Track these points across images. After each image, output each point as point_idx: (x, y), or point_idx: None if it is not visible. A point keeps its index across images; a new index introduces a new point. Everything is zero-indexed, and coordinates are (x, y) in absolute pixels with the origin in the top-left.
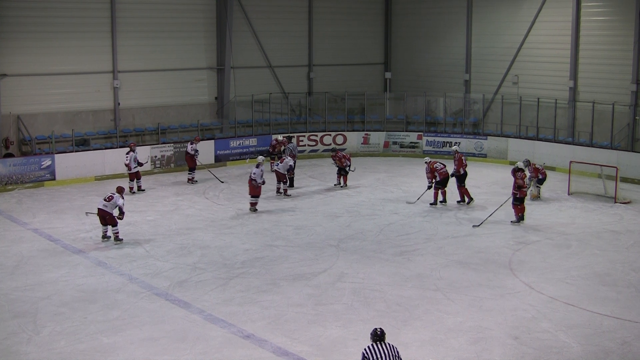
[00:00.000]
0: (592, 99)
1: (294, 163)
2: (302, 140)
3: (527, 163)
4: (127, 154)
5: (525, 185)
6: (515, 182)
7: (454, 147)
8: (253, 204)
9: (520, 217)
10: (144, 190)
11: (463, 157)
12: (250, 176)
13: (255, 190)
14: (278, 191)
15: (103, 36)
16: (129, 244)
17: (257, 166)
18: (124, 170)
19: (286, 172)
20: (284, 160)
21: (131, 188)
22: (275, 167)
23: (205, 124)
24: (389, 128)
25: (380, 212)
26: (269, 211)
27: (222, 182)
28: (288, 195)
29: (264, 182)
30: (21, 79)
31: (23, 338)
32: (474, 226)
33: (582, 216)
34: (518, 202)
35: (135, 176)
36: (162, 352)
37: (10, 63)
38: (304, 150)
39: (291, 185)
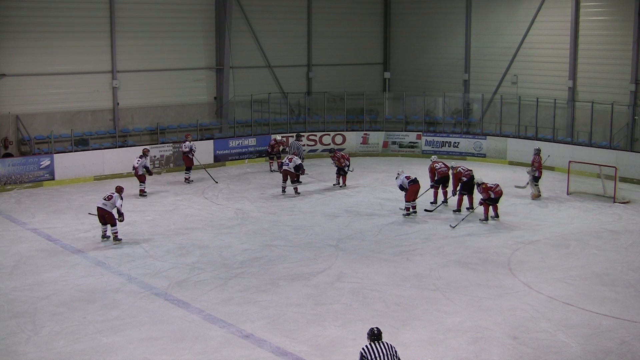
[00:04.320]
0: (591, 99)
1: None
2: (300, 140)
3: (538, 151)
4: (140, 158)
5: (498, 192)
6: (482, 194)
7: (434, 158)
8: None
9: (490, 216)
10: (145, 195)
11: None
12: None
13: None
14: (283, 190)
15: (102, 36)
16: (127, 243)
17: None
18: (123, 170)
19: (297, 171)
20: (292, 159)
21: (142, 191)
22: (285, 167)
23: (204, 124)
24: (388, 128)
25: (379, 212)
26: (268, 211)
27: (216, 182)
28: (298, 194)
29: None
30: (20, 79)
31: (22, 338)
32: (450, 226)
33: (581, 216)
34: (490, 202)
35: (143, 178)
36: (161, 352)
37: (9, 63)
38: (303, 150)
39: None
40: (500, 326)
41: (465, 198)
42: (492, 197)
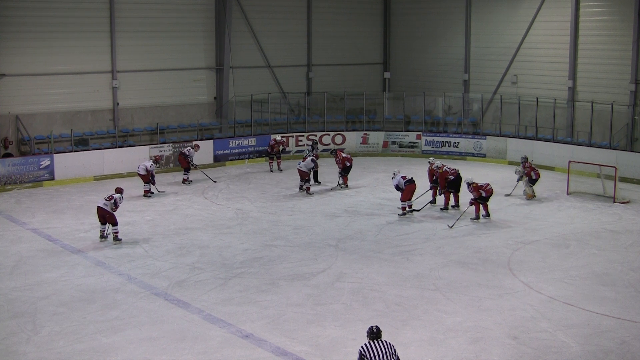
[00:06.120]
0: (591, 99)
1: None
2: (301, 140)
3: (525, 159)
4: (154, 163)
5: (489, 190)
6: (472, 193)
7: (432, 160)
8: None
9: (482, 215)
10: (150, 195)
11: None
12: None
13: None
14: (300, 188)
15: (102, 36)
16: (127, 243)
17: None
18: (123, 170)
19: (309, 171)
20: (306, 159)
21: (146, 191)
22: (297, 166)
23: (204, 124)
24: (388, 128)
25: (379, 212)
26: (268, 211)
27: (215, 181)
28: (310, 194)
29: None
30: (20, 79)
31: (22, 338)
32: (448, 226)
33: (581, 216)
34: (481, 201)
35: (147, 180)
36: (161, 352)
37: (9, 63)
38: (303, 151)
39: (315, 180)
40: (500, 326)
41: (452, 197)
42: (483, 196)
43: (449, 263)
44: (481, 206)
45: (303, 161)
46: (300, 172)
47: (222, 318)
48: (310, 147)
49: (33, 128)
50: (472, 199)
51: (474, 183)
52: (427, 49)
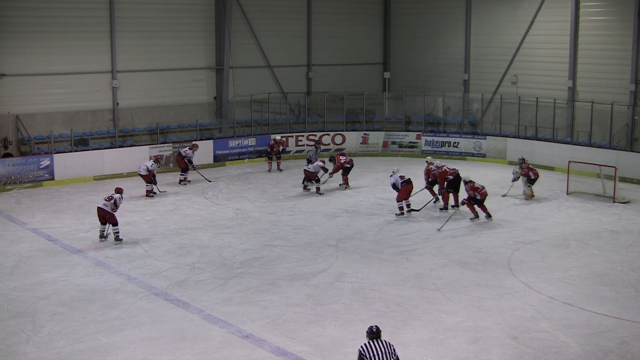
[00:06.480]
0: (590, 99)
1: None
2: (300, 140)
3: (522, 161)
4: (155, 162)
5: (484, 193)
6: (468, 192)
7: (429, 160)
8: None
9: (483, 216)
10: (152, 195)
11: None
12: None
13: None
14: (305, 188)
15: (102, 36)
16: (127, 243)
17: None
18: (123, 170)
19: (317, 172)
20: (314, 163)
21: (148, 191)
22: (305, 167)
23: (204, 124)
24: (388, 128)
25: (379, 212)
26: (268, 211)
27: (210, 181)
28: (321, 194)
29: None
30: (20, 79)
31: (22, 338)
32: (438, 230)
33: (580, 216)
34: (474, 202)
35: (149, 180)
36: (161, 352)
37: (9, 63)
38: (303, 150)
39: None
40: (500, 326)
41: (451, 196)
42: (477, 198)
43: (449, 263)
44: (479, 208)
45: (310, 163)
46: (308, 173)
47: (222, 318)
48: (314, 149)
49: (33, 128)
50: (464, 198)
51: (471, 182)
52: (427, 49)
